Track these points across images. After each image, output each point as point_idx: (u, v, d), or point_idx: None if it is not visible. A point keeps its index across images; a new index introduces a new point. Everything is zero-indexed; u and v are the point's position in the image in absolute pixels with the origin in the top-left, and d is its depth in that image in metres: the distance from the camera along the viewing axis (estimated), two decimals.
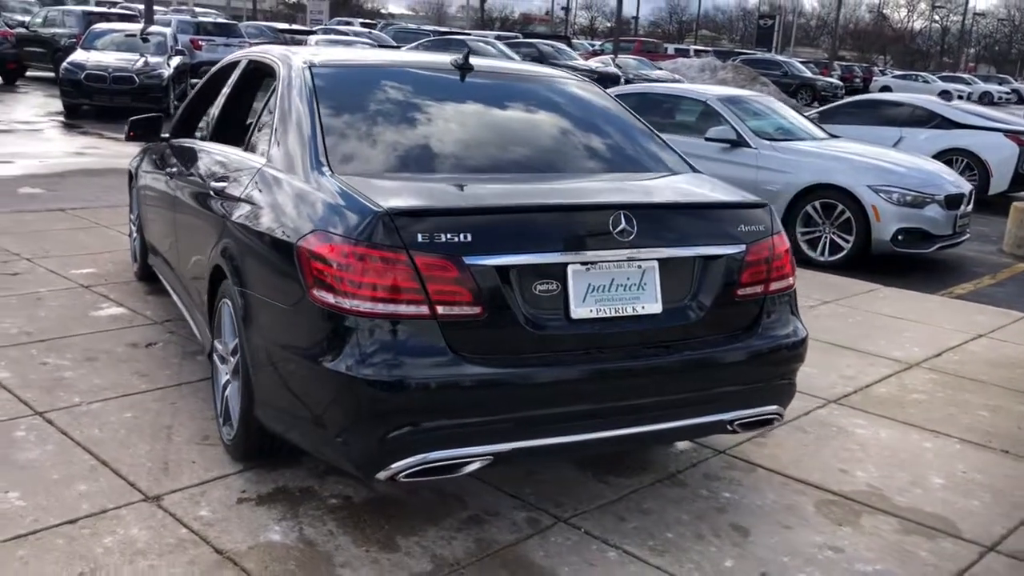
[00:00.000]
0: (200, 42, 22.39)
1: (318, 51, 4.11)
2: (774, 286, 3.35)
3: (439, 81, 3.85)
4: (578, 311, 2.95)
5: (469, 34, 27.14)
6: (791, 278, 3.45)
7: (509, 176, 3.34)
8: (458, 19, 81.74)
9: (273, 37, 24.36)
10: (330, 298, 2.75)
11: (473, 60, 3.96)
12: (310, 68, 3.65)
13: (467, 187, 3.13)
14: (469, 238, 2.78)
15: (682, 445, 4.01)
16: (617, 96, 7.41)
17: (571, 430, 2.98)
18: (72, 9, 22.65)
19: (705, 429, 3.37)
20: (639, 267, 3.05)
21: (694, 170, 3.78)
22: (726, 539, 3.27)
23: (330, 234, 2.79)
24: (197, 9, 34.28)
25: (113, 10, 24.98)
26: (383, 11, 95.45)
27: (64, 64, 16.22)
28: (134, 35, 18.14)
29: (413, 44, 23.63)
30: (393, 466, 2.77)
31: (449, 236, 2.76)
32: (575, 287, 2.94)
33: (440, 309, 2.76)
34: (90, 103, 16.13)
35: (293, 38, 23.25)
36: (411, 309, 2.73)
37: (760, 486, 3.70)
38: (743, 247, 3.24)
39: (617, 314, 3.01)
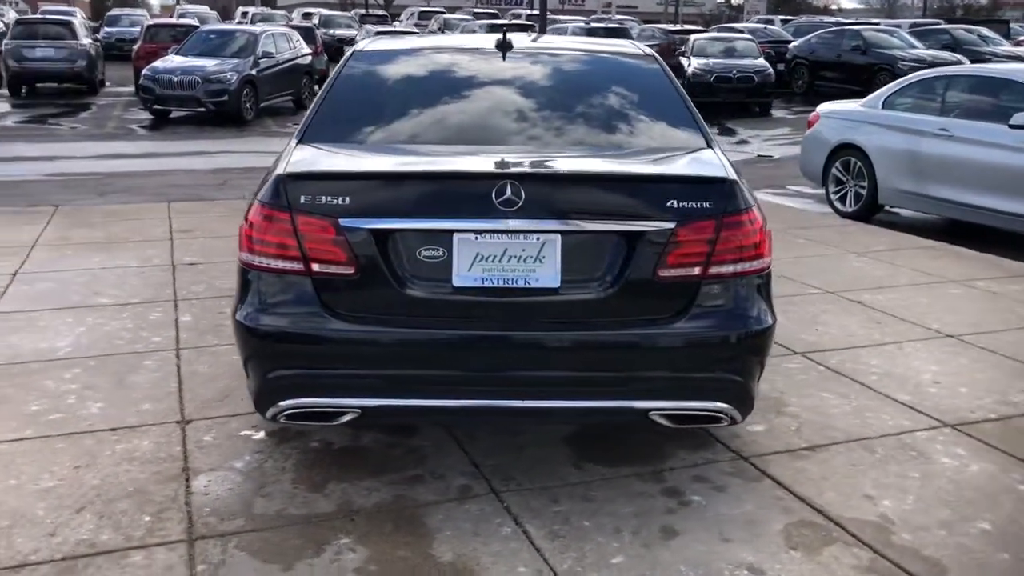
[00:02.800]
0: None
1: (401, 38, 4.42)
2: (719, 270, 3.01)
3: (470, 62, 3.96)
4: (460, 279, 2.95)
5: (877, 23, 25.26)
6: (752, 263, 3.06)
7: (461, 148, 3.37)
8: (911, 8, 75.74)
9: (664, 38, 24.84)
10: (243, 255, 3.08)
11: (518, 40, 4.01)
12: (353, 53, 3.99)
13: (394, 156, 3.26)
14: (347, 201, 2.94)
15: (699, 443, 3.72)
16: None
17: (446, 394, 2.99)
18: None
19: (613, 415, 3.14)
20: (538, 239, 2.96)
21: (711, 146, 3.47)
22: (642, 539, 3.04)
23: (256, 199, 3.12)
24: None
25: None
26: (833, 7, 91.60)
27: None
28: None
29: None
30: (274, 407, 3.03)
31: (328, 199, 2.95)
32: (460, 255, 2.95)
33: (315, 267, 2.96)
34: None
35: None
36: (290, 265, 2.97)
37: (746, 497, 3.33)
38: (671, 225, 2.97)
39: (506, 285, 2.96)
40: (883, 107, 8.91)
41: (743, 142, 15.57)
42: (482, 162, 3.16)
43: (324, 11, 34.14)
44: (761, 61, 20.22)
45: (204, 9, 33.13)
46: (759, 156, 14.06)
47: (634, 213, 2.98)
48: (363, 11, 36.56)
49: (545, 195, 2.97)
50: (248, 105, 15.87)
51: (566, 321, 2.98)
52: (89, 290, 5.76)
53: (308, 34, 21.80)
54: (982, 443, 3.79)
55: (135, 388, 4.23)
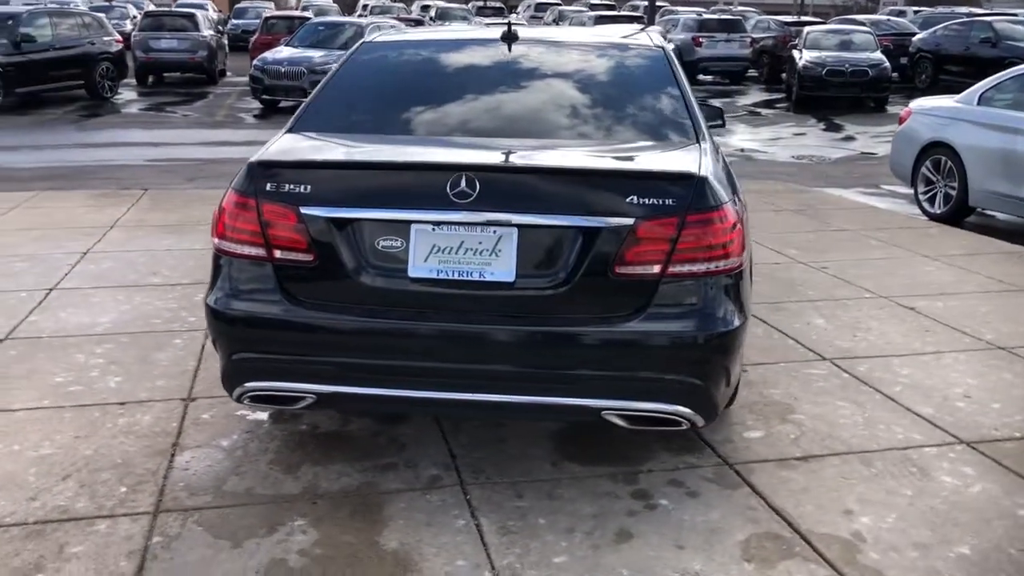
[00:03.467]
0: (700, 39, 23.12)
1: (416, 30, 4.45)
2: (680, 269, 2.92)
3: (471, 54, 3.95)
4: (416, 270, 2.96)
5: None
6: (718, 263, 2.95)
7: (437, 139, 3.37)
8: None
9: (780, 30, 24.13)
10: (215, 240, 3.18)
11: (525, 32, 3.98)
12: (361, 44, 4.04)
13: (366, 146, 3.29)
14: (308, 189, 2.99)
15: (685, 446, 3.62)
16: None
17: (399, 385, 3.01)
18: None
19: (566, 413, 3.09)
20: (494, 232, 2.94)
21: (699, 142, 3.37)
22: (593, 540, 2.99)
23: (231, 185, 3.20)
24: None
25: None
26: None
27: None
28: None
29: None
30: (239, 388, 3.12)
31: (291, 187, 3.00)
32: (417, 246, 2.96)
33: (277, 253, 3.02)
34: None
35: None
36: (254, 251, 3.04)
37: (716, 504, 3.23)
38: (630, 221, 2.90)
39: (462, 277, 2.95)
40: (979, 103, 8.42)
41: (849, 138, 14.99)
42: (441, 153, 3.15)
43: (442, 3, 34.58)
44: (878, 55, 19.39)
45: (327, 1, 34.04)
46: (862, 153, 13.51)
47: (593, 208, 2.92)
48: (480, 3, 36.85)
49: (501, 188, 2.94)
50: None
51: (520, 316, 2.95)
52: (147, 270, 6.04)
53: (417, 26, 22.14)
54: (995, 463, 3.56)
55: (156, 365, 4.42)
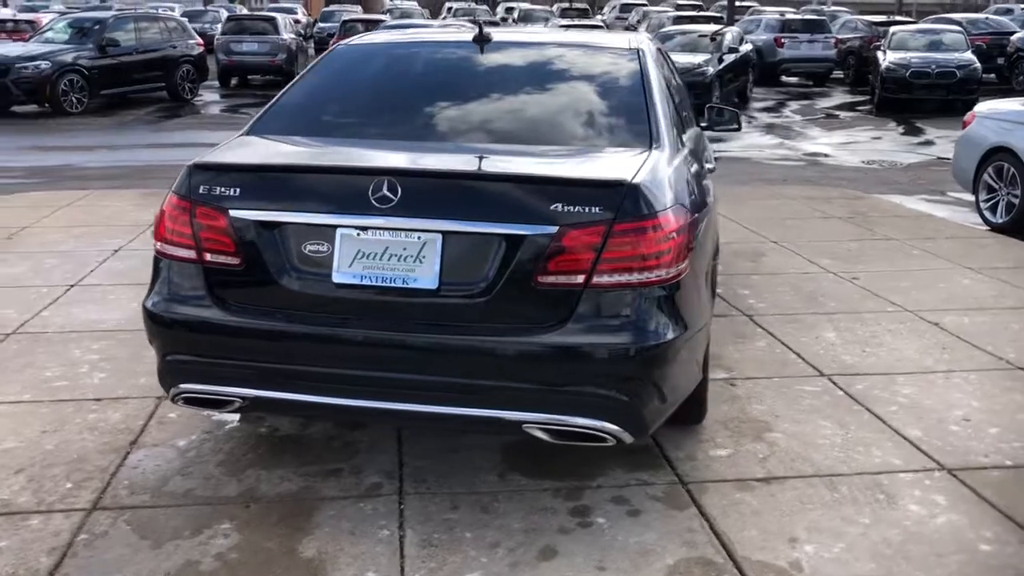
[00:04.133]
0: (783, 40, 22.55)
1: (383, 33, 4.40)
2: (606, 279, 2.80)
3: (438, 57, 3.90)
4: (340, 276, 2.92)
5: None
6: (649, 274, 2.82)
7: (379, 143, 3.33)
8: None
9: (867, 30, 23.32)
10: (155, 242, 3.20)
11: (499, 34, 3.91)
12: (333, 48, 4.03)
13: (304, 149, 3.27)
14: (237, 192, 2.98)
15: (641, 462, 3.49)
16: None
17: (323, 392, 2.97)
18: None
19: (486, 424, 2.99)
20: (419, 239, 2.88)
21: (652, 148, 3.24)
22: (514, 557, 2.90)
23: (171, 188, 3.22)
24: None
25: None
26: None
27: None
28: (705, 36, 19.17)
29: None
30: (173, 388, 3.13)
31: (222, 190, 3.00)
32: (341, 251, 2.92)
33: (207, 256, 3.02)
34: None
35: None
36: (186, 253, 3.05)
37: (656, 525, 3.10)
38: (553, 229, 2.80)
39: (385, 284, 2.89)
40: None
41: (927, 143, 14.41)
42: (368, 157, 3.11)
43: (526, 5, 34.62)
44: (967, 55, 18.57)
45: (412, 5, 34.45)
46: (938, 158, 12.93)
47: (516, 216, 2.83)
48: (565, 4, 36.73)
49: (424, 194, 2.88)
50: None
51: (442, 324, 2.88)
52: None
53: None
54: (973, 492, 3.32)
55: (144, 363, 4.47)
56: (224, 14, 30.71)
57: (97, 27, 16.99)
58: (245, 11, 29.37)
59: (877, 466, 3.52)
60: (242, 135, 3.46)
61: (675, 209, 2.98)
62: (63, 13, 20.86)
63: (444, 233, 2.86)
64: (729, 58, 18.16)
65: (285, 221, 2.95)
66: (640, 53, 3.79)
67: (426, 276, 2.87)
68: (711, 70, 17.29)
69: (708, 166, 4.63)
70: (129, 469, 3.45)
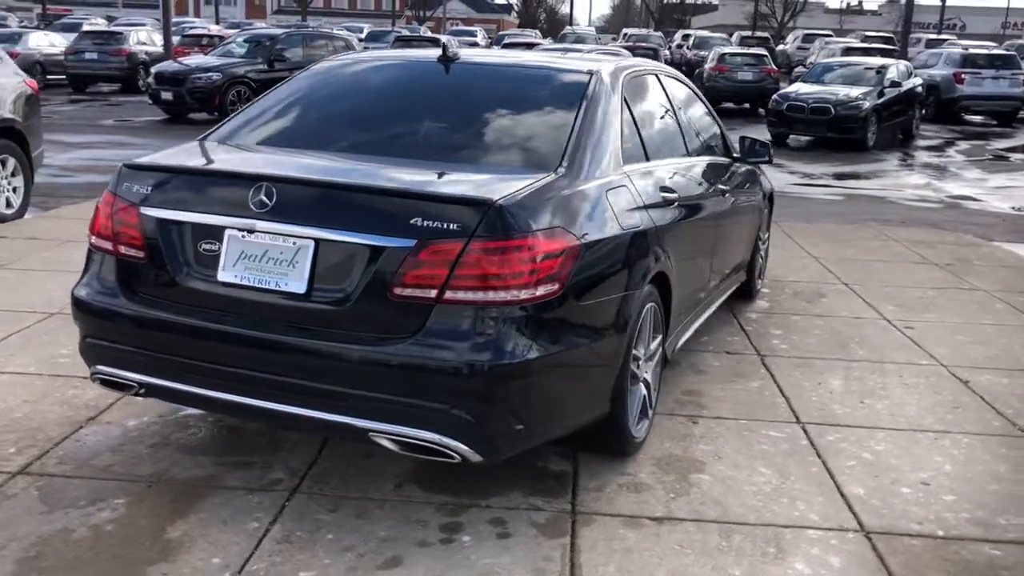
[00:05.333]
0: (963, 75, 21.20)
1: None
2: (460, 296, 2.81)
3: (399, 76, 4.00)
4: (225, 274, 3.07)
5: None
6: (506, 293, 2.81)
7: (292, 152, 3.46)
8: None
9: None
10: (89, 235, 3.47)
11: (464, 52, 3.98)
12: (314, 64, 4.22)
13: (225, 155, 3.46)
14: (148, 191, 3.21)
15: (545, 488, 3.44)
16: None
17: (204, 384, 3.12)
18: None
19: (336, 430, 3.04)
20: (294, 244, 2.99)
21: (557, 171, 3.22)
22: (357, 563, 2.94)
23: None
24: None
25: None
26: None
27: (774, 95, 17.46)
28: (871, 68, 18.37)
29: None
30: (90, 368, 3.38)
31: (137, 188, 3.24)
32: (227, 251, 3.07)
33: (121, 249, 3.26)
34: (791, 132, 17.08)
35: None
36: (107, 245, 3.30)
37: (517, 550, 3.05)
38: (412, 243, 2.84)
39: (261, 285, 3.03)
40: None
41: None
42: (256, 163, 3.25)
43: (704, 33, 34.24)
44: None
45: (589, 30, 34.79)
46: None
47: (380, 227, 2.89)
48: (746, 33, 36.07)
49: (300, 201, 2.99)
50: None
51: (305, 329, 2.97)
52: None
53: (656, 54, 22.13)
54: (877, 559, 3.08)
55: None
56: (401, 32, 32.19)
57: (269, 43, 18.22)
58: (406, 32, 30.64)
59: (790, 520, 3.31)
60: (197, 139, 3.70)
61: (549, 232, 2.95)
62: (245, 29, 22.47)
63: (317, 240, 2.96)
64: (891, 92, 17.29)
65: (182, 220, 3.14)
66: (594, 79, 3.76)
67: (297, 280, 2.98)
68: (867, 104, 16.56)
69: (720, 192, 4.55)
70: (72, 442, 3.73)
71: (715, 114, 5.47)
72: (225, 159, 3.45)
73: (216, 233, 3.10)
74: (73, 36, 25.51)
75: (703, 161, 4.76)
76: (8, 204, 8.29)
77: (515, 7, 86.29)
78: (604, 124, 3.58)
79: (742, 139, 5.52)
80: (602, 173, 3.43)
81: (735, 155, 5.44)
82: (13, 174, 8.37)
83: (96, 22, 33.80)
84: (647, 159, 3.95)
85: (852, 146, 16.68)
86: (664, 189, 3.88)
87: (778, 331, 5.63)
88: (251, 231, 3.04)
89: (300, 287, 2.97)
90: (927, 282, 7.05)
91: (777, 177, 13.49)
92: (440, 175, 3.19)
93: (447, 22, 65.30)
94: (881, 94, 17.09)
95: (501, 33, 31.14)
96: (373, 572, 2.91)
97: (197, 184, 3.22)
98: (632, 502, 3.41)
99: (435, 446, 2.88)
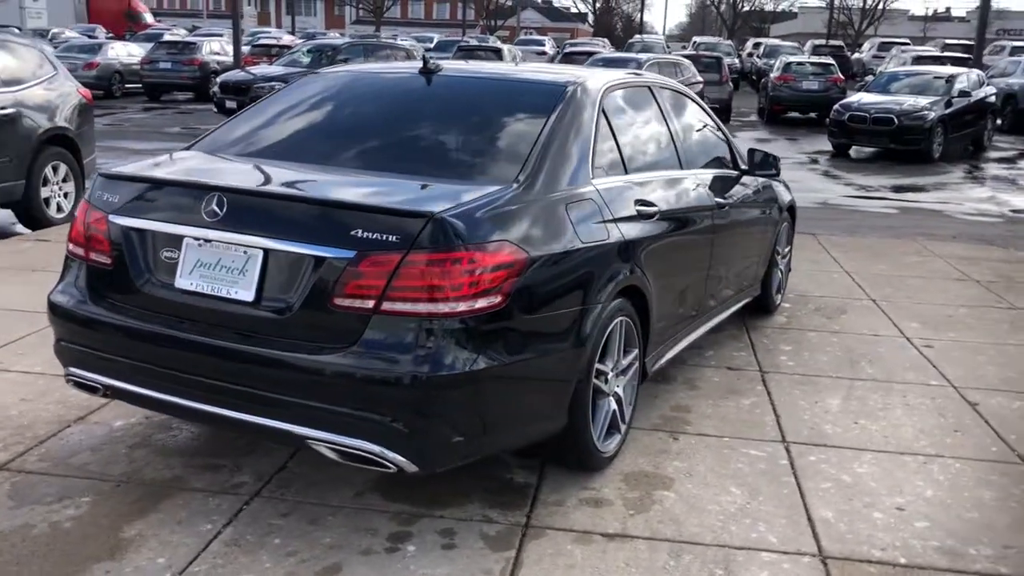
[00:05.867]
0: None
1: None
2: (397, 306, 2.83)
3: (379, 88, 4.05)
4: (182, 281, 3.15)
5: None
6: (446, 305, 2.82)
7: (278, 163, 3.51)
8: None
9: None
10: (68, 243, 3.59)
11: (447, 65, 4.02)
12: (304, 77, 4.31)
13: (194, 164, 3.54)
14: (117, 200, 3.31)
15: (502, 501, 3.44)
16: None
17: (160, 388, 3.19)
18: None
19: (276, 436, 3.09)
20: (245, 253, 3.05)
21: (516, 184, 3.23)
22: (297, 568, 2.98)
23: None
24: None
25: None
26: None
27: (836, 105, 17.10)
28: (940, 77, 17.87)
29: None
30: (64, 370, 3.50)
31: (108, 196, 3.34)
32: (185, 259, 3.15)
33: (91, 255, 3.37)
34: (852, 143, 16.71)
35: None
36: (80, 251, 3.41)
37: (459, 562, 3.05)
38: (351, 254, 2.87)
39: (213, 292, 3.10)
40: None
41: None
42: (213, 174, 3.32)
43: (775, 42, 33.67)
44: None
45: (656, 38, 34.52)
46: None
47: (323, 238, 2.93)
48: (820, 41, 35.45)
49: (250, 211, 3.06)
50: None
51: (251, 336, 3.03)
52: None
53: (719, 63, 21.87)
54: None
55: None
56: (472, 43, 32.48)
57: (331, 53, 18.57)
58: (473, 41, 30.82)
59: (746, 541, 3.25)
60: (184, 148, 3.80)
61: (494, 245, 2.96)
62: (310, 39, 22.92)
63: (266, 250, 3.02)
64: (960, 102, 16.77)
65: (145, 228, 3.24)
66: (568, 93, 3.74)
67: (247, 289, 3.04)
68: (932, 114, 16.10)
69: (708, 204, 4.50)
70: (56, 440, 3.86)
71: (723, 128, 5.39)
72: (191, 169, 3.53)
73: (176, 241, 3.18)
74: (150, 46, 26.38)
75: (700, 174, 4.69)
76: (59, 209, 8.63)
77: (590, 16, 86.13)
78: (572, 137, 3.57)
79: (750, 152, 5.43)
80: (565, 186, 3.42)
81: (743, 168, 5.36)
82: (65, 180, 8.71)
83: (176, 32, 34.90)
84: (626, 172, 3.92)
85: (916, 158, 16.23)
86: (642, 203, 3.84)
87: (788, 347, 5.51)
88: (207, 240, 3.11)
89: (249, 295, 3.03)
90: (960, 300, 6.82)
91: (831, 189, 13.22)
92: (391, 187, 3.22)
93: (520, 31, 65.60)
94: (949, 104, 16.59)
95: (566, 42, 31.16)
96: (314, 566, 2.95)
97: (160, 194, 3.31)
98: (588, 517, 3.38)
99: (370, 455, 2.90)
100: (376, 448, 2.88)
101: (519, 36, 50.72)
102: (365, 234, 2.88)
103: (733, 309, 5.40)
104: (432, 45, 32.06)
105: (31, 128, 8.15)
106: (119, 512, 3.30)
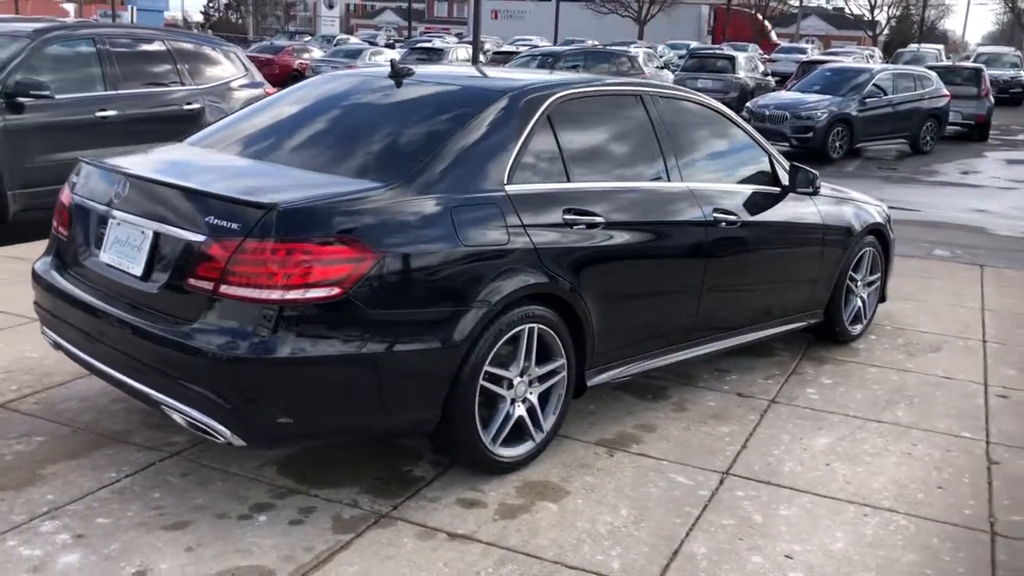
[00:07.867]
0: None
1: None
2: (231, 290, 3.05)
3: (345, 89, 4.24)
4: (103, 255, 3.56)
5: None
6: (271, 292, 3.01)
7: (220, 155, 3.85)
8: None
9: None
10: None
11: (421, 69, 4.20)
12: (305, 79, 4.63)
13: (156, 156, 3.93)
14: (79, 181, 3.80)
15: (389, 489, 3.56)
16: None
17: (83, 349, 3.59)
18: None
19: (143, 399, 3.36)
20: (142, 232, 3.40)
21: (401, 184, 3.34)
22: (154, 521, 3.29)
23: None
24: None
25: None
26: None
27: None
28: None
29: None
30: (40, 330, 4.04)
31: (75, 178, 3.85)
32: (108, 235, 3.56)
33: (60, 229, 3.88)
34: None
35: None
36: (56, 225, 3.94)
37: (294, 536, 3.23)
38: (203, 238, 3.13)
39: (120, 267, 3.47)
40: None
41: None
42: (144, 163, 3.72)
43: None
44: None
45: (931, 49, 32.01)
46: None
47: (190, 223, 3.22)
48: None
49: (146, 195, 3.41)
50: None
51: (138, 308, 3.36)
52: None
53: (978, 74, 20.04)
54: None
55: None
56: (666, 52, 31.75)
57: (552, 60, 19.00)
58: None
59: (585, 563, 3.15)
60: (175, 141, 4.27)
61: (337, 238, 3.09)
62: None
63: (154, 231, 3.35)
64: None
65: (88, 207, 3.69)
66: (499, 99, 3.78)
67: (138, 265, 3.39)
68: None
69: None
70: (61, 388, 4.43)
71: (764, 143, 5.11)
72: (148, 158, 3.96)
73: (106, 219, 3.59)
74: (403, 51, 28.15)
75: (698, 188, 4.48)
76: None
77: (882, 23, 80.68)
78: (483, 142, 3.60)
79: (792, 168, 5.10)
80: (459, 189, 3.46)
81: (784, 185, 5.05)
82: None
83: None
84: (568, 180, 3.88)
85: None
86: (575, 211, 3.79)
87: (828, 380, 5.12)
88: (122, 220, 3.50)
89: (138, 271, 3.38)
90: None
91: None
92: (267, 178, 3.46)
93: (799, 39, 63.22)
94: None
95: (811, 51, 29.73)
96: (156, 531, 3.23)
97: (104, 177, 3.73)
98: (449, 516, 3.41)
99: (201, 425, 3.15)
100: (208, 420, 3.12)
101: (780, 44, 48.96)
102: (216, 221, 3.13)
103: (762, 335, 5.07)
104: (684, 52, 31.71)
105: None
106: (56, 453, 3.77)
